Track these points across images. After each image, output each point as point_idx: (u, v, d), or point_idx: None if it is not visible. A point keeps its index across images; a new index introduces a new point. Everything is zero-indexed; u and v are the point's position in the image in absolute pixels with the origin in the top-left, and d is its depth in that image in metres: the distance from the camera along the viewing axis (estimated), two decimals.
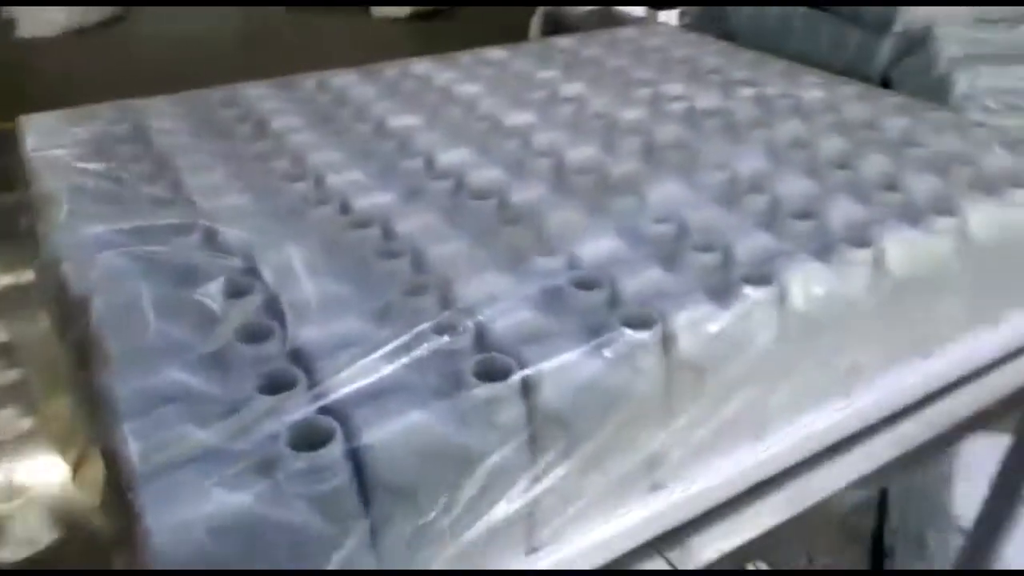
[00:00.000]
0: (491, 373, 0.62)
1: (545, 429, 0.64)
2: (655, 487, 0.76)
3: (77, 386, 0.73)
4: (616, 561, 0.74)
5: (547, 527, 0.69)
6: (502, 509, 0.64)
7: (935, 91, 2.89)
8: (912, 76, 2.99)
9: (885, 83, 3.08)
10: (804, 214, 0.87)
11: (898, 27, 2.95)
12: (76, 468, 0.78)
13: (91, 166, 0.94)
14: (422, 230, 0.82)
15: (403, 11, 6.17)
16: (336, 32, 5.69)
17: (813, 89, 1.24)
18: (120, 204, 0.85)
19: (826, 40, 3.18)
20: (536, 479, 0.65)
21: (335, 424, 0.56)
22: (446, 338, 0.64)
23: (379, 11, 6.24)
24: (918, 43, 2.98)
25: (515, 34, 1.35)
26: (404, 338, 0.64)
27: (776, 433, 0.84)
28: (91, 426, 0.69)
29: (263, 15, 6.25)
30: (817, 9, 3.18)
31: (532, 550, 0.70)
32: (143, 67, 4.58)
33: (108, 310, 0.68)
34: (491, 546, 0.66)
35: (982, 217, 0.90)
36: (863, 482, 0.89)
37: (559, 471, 0.66)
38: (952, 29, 2.93)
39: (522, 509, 0.66)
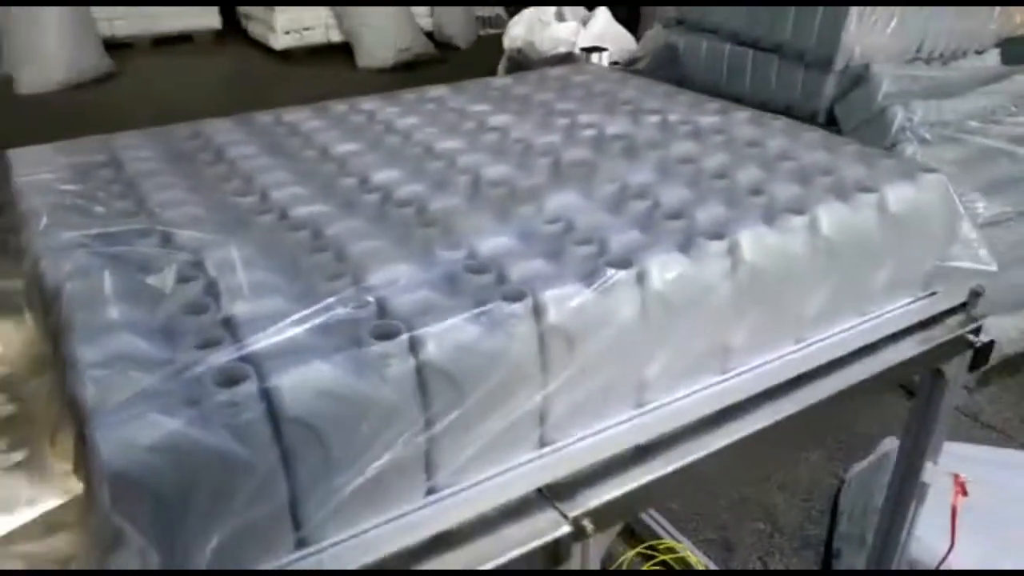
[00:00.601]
0: (385, 334, 0.76)
1: (433, 383, 0.78)
2: (543, 443, 0.90)
3: (53, 367, 0.87)
4: (508, 505, 0.87)
5: (444, 470, 0.83)
6: (399, 450, 0.78)
7: (875, 125, 3.09)
8: (854, 111, 3.20)
9: (831, 118, 3.29)
10: (676, 215, 1.02)
11: (838, 65, 3.16)
12: (52, 437, 0.91)
13: (70, 187, 1.09)
14: (348, 232, 0.97)
15: (387, 61, 6.42)
16: (322, 81, 5.91)
17: (711, 115, 1.41)
18: (92, 216, 1.00)
19: (775, 80, 3.39)
20: (429, 425, 0.79)
21: (250, 368, 0.70)
22: (350, 308, 0.79)
23: (363, 62, 6.50)
24: (857, 80, 3.19)
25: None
26: (315, 307, 0.78)
27: (655, 401, 0.98)
28: (63, 399, 0.83)
29: (253, 66, 6.50)
30: (765, 52, 3.39)
31: (430, 490, 0.84)
32: (133, 116, 4.77)
33: (77, 294, 0.83)
34: (394, 482, 0.80)
35: (832, 217, 1.06)
36: (736, 451, 1.02)
37: (450, 418, 0.80)
38: (889, 67, 3.14)
39: (416, 451, 0.80)
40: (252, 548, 0.73)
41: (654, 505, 0.95)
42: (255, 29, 6.89)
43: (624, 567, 2.16)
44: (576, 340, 0.86)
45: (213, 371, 0.70)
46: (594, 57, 1.83)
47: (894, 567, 1.53)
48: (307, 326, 0.77)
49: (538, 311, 0.84)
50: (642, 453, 0.95)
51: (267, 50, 6.71)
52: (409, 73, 6.35)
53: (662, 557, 2.18)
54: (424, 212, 1.04)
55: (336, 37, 6.70)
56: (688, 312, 0.95)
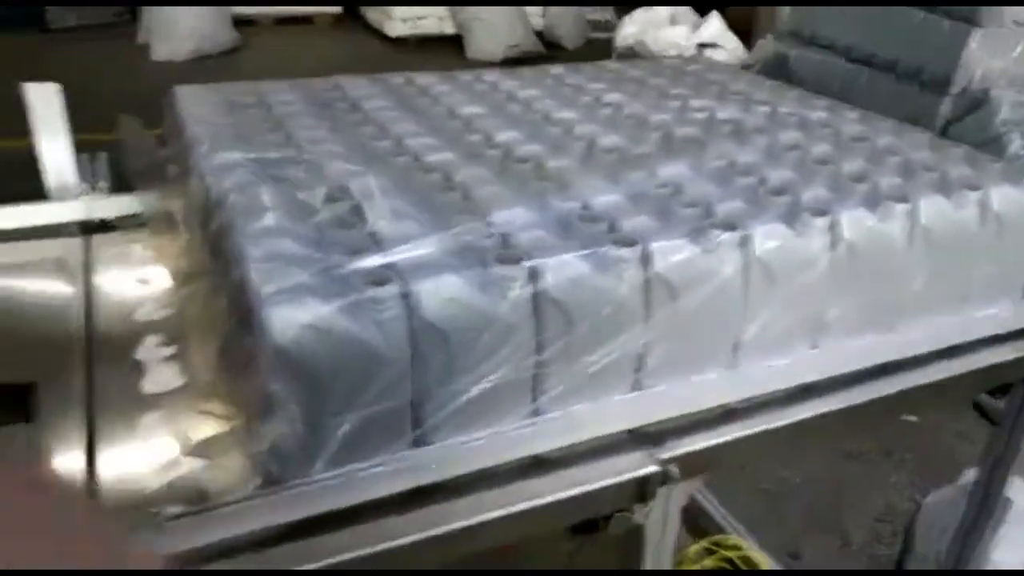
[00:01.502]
0: (508, 260, 0.85)
1: (547, 310, 0.86)
2: (638, 386, 0.97)
3: (212, 271, 0.99)
4: (601, 440, 0.94)
5: (547, 395, 0.91)
6: (511, 368, 0.86)
7: (990, 150, 3.02)
8: (968, 136, 3.13)
9: None
10: (780, 192, 1.08)
11: (956, 88, 3.10)
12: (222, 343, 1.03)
13: (228, 120, 1.22)
14: (474, 178, 1.07)
15: (496, 56, 6.55)
16: (431, 69, 6.10)
17: (820, 111, 1.45)
18: (248, 144, 1.13)
19: (888, 99, 3.35)
20: (539, 349, 0.88)
21: (393, 273, 0.80)
22: (477, 237, 0.88)
23: (474, 55, 6.66)
24: (974, 105, 3.12)
25: None
26: (451, 232, 0.88)
27: (748, 363, 1.03)
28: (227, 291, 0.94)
29: (367, 49, 6.75)
30: (879, 70, 3.35)
31: (533, 412, 0.92)
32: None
33: (239, 204, 0.94)
34: (504, 398, 0.88)
35: (933, 209, 1.09)
36: (818, 425, 1.06)
37: (558, 346, 0.88)
38: (1009, 93, 3.07)
39: (526, 372, 0.88)
40: (376, 439, 0.83)
41: (736, 461, 1.01)
42: (372, 15, 7.16)
43: (689, 557, 2.20)
44: (679, 292, 0.93)
45: (362, 272, 0.80)
46: (707, 53, 1.87)
47: None
48: (440, 247, 0.87)
49: (646, 259, 0.91)
50: (730, 411, 1.01)
51: (381, 36, 6.96)
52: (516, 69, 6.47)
53: (726, 553, 2.21)
54: (542, 168, 1.12)
55: (449, 29, 6.90)
56: (786, 282, 1.00)
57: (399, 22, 6.76)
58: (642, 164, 1.15)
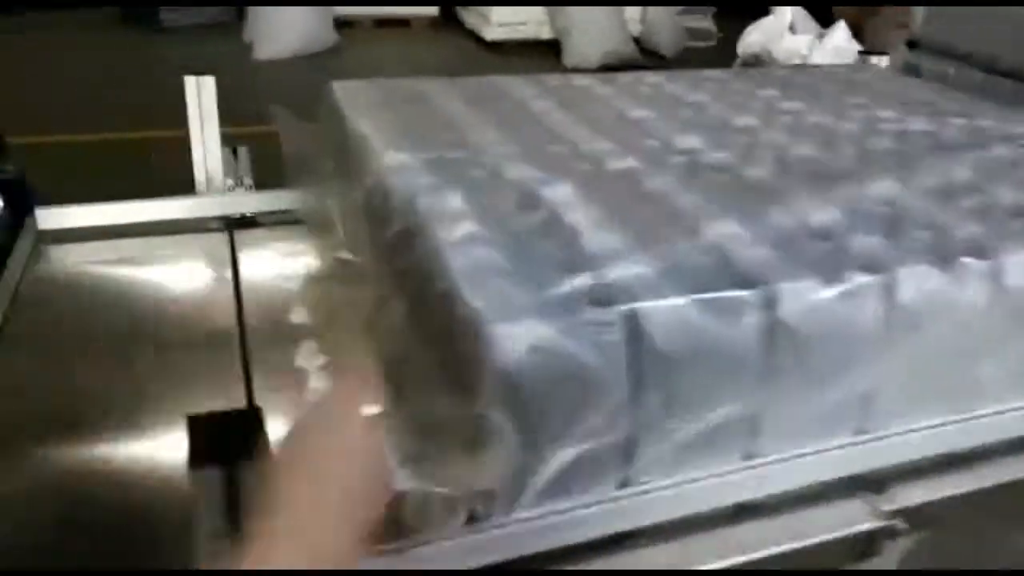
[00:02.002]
0: (739, 283, 0.75)
1: (780, 340, 0.76)
2: (862, 430, 0.85)
3: (387, 277, 0.92)
4: (818, 487, 0.84)
5: (765, 435, 0.81)
6: (735, 402, 0.77)
7: None
8: None
9: None
10: (1019, 213, 0.95)
11: None
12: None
13: (391, 117, 1.16)
14: (668, 188, 0.97)
15: (593, 62, 6.44)
16: (532, 72, 6.04)
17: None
18: (424, 143, 1.06)
19: None
20: (764, 382, 0.77)
21: (619, 293, 0.71)
22: (694, 255, 0.78)
23: (571, 60, 6.56)
24: None
25: None
26: (660, 247, 0.78)
27: (879, 430, 0.87)
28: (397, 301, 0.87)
29: (463, 52, 6.74)
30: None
31: (747, 456, 0.82)
32: None
33: (430, 207, 0.87)
34: (720, 437, 0.78)
35: None
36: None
37: (787, 380, 0.78)
38: None
39: (747, 408, 0.78)
40: (584, 477, 0.74)
41: (966, 516, 0.89)
42: (470, 19, 7.14)
43: None
44: (923, 323, 0.82)
45: (580, 290, 0.71)
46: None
47: None
48: (656, 265, 0.77)
49: (889, 288, 0.80)
50: (961, 459, 0.89)
51: (478, 40, 6.93)
52: (677, 72, 6.36)
53: None
54: (740, 178, 1.02)
55: (546, 34, 6.81)
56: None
57: (497, 27, 6.70)
58: (847, 179, 1.03)
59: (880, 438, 0.87)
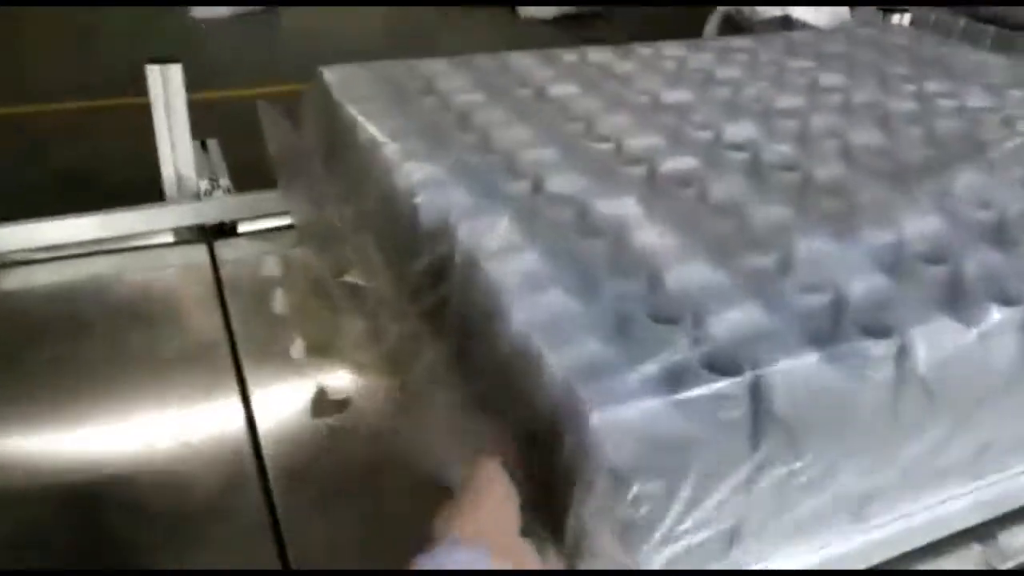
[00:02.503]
0: (875, 332, 0.63)
1: (913, 392, 0.64)
2: (859, 517, 0.72)
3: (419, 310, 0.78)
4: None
5: (878, 501, 0.70)
6: (862, 467, 0.65)
7: None
8: None
9: None
10: None
11: None
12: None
13: (400, 112, 1.00)
14: (736, 196, 0.84)
15: (549, 12, 6.21)
16: (481, 31, 5.77)
17: None
18: (441, 146, 0.91)
19: None
20: (898, 442, 0.66)
21: (742, 358, 0.58)
22: (801, 293, 0.66)
23: (526, 12, 6.31)
24: None
25: (679, 38, 1.34)
26: (748, 275, 0.66)
27: (990, 475, 0.77)
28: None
29: (407, 13, 6.41)
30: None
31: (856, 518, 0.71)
32: (294, 50, 4.77)
33: (471, 233, 0.72)
34: (829, 509, 0.67)
35: None
36: None
37: (927, 435, 0.66)
38: None
39: (871, 472, 0.66)
40: (690, 562, 0.62)
41: None
42: None
43: None
44: (943, 393, 0.69)
45: (694, 354, 0.58)
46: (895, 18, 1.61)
47: None
48: (758, 304, 0.65)
49: (901, 352, 0.67)
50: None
51: None
52: (576, 23, 6.12)
53: None
54: (811, 179, 0.89)
55: None
56: None
57: None
58: (927, 174, 0.91)
59: (992, 484, 0.76)
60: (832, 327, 0.63)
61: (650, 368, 0.57)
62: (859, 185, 0.87)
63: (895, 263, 0.73)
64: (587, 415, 0.52)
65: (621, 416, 0.54)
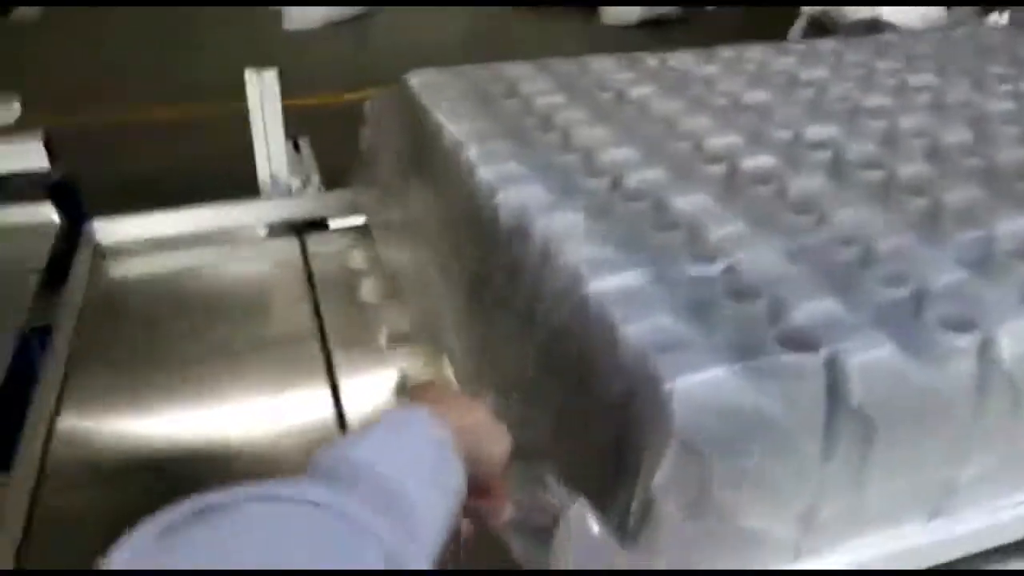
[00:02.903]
0: (957, 325, 0.62)
1: (995, 387, 0.63)
2: (938, 511, 0.70)
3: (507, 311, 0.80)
4: None
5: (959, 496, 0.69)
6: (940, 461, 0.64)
7: None
8: None
9: None
10: None
11: None
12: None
13: (484, 115, 1.03)
14: (817, 194, 0.84)
15: (633, 16, 6.18)
16: (563, 36, 5.80)
17: None
18: (524, 146, 0.93)
19: None
20: (979, 436, 0.65)
21: (819, 333, 0.58)
22: (884, 286, 0.65)
23: (608, 15, 6.31)
24: None
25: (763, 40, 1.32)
26: (843, 275, 0.66)
27: None
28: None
29: (489, 16, 6.50)
30: None
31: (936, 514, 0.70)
32: (388, 55, 4.90)
33: (549, 225, 0.75)
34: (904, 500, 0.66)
35: None
36: None
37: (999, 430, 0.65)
38: None
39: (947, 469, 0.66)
40: (756, 548, 0.63)
41: None
42: None
43: None
44: None
45: (776, 333, 0.59)
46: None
47: None
48: (841, 296, 0.65)
49: (985, 346, 0.65)
50: None
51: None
52: (659, 29, 6.09)
53: None
54: (895, 177, 0.88)
55: None
56: None
57: None
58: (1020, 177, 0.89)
59: None
60: (913, 319, 0.63)
61: (725, 341, 0.58)
62: (947, 184, 0.86)
63: (982, 260, 0.72)
64: (660, 383, 0.54)
65: (694, 386, 0.55)
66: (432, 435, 0.48)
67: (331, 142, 1.40)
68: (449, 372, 0.94)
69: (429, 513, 0.44)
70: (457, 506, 0.48)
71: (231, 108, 1.41)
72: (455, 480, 0.48)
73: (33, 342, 1.04)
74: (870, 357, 0.59)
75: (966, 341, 0.62)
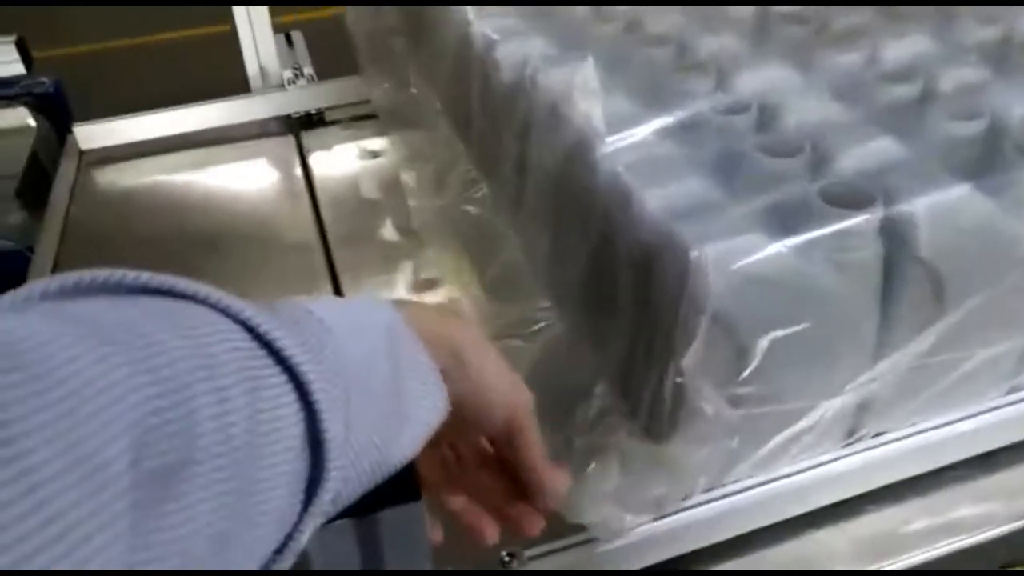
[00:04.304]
0: None
1: None
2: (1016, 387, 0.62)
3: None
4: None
5: None
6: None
7: None
8: None
9: None
10: None
11: None
12: None
13: None
14: (861, 24, 0.72)
15: None
16: None
17: None
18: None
19: None
20: None
21: (875, 191, 0.48)
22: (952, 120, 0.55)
23: None
24: None
25: None
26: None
27: None
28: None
29: None
30: None
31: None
32: None
33: (554, 81, 0.65)
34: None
35: None
36: None
37: None
38: None
39: None
40: (806, 432, 0.55)
41: None
42: None
43: None
44: None
45: (821, 188, 0.49)
46: None
47: None
48: (898, 139, 0.55)
49: None
50: None
51: None
52: None
53: None
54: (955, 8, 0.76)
55: None
56: None
57: None
58: None
59: None
60: (987, 155, 0.53)
61: (761, 203, 0.49)
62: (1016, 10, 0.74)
63: None
64: (686, 251, 0.45)
65: (727, 256, 0.46)
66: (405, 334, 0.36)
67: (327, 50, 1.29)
68: (460, 273, 0.86)
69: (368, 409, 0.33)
70: (426, 431, 0.36)
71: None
72: (430, 397, 0.36)
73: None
74: (938, 205, 0.49)
75: None
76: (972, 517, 0.61)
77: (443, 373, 0.37)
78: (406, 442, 0.35)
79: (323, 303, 0.34)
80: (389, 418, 0.34)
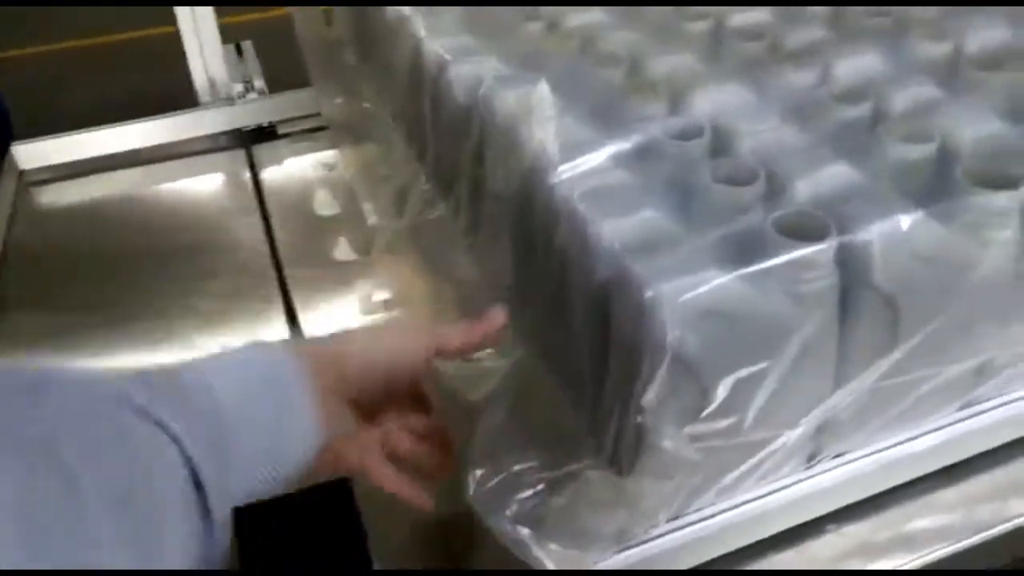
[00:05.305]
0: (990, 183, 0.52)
1: None
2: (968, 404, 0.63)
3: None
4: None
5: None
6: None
7: None
8: None
9: None
10: None
11: None
12: None
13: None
14: (814, 42, 0.72)
15: None
16: None
17: None
18: (480, 15, 0.81)
19: None
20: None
21: (829, 219, 0.48)
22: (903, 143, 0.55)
23: None
24: None
25: None
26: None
27: None
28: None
29: None
30: None
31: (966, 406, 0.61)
32: None
33: (507, 101, 0.64)
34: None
35: None
36: None
37: None
38: None
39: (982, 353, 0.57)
40: (767, 459, 0.54)
41: None
42: None
43: None
44: None
45: (777, 218, 0.48)
46: None
47: None
48: (851, 164, 0.54)
49: None
50: None
51: None
52: None
53: None
54: (906, 21, 0.76)
55: None
56: None
57: None
58: None
59: None
60: (939, 180, 0.53)
61: (716, 235, 0.48)
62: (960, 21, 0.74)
63: (1016, 110, 0.61)
64: (642, 291, 0.44)
65: (684, 292, 0.45)
66: (279, 374, 0.45)
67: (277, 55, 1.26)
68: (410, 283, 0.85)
69: (249, 445, 0.42)
70: (300, 459, 0.45)
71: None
72: (297, 427, 0.45)
73: None
74: (892, 233, 0.49)
75: (1006, 200, 0.51)
76: (933, 530, 0.61)
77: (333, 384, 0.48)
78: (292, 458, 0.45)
79: (213, 363, 0.44)
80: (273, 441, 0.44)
